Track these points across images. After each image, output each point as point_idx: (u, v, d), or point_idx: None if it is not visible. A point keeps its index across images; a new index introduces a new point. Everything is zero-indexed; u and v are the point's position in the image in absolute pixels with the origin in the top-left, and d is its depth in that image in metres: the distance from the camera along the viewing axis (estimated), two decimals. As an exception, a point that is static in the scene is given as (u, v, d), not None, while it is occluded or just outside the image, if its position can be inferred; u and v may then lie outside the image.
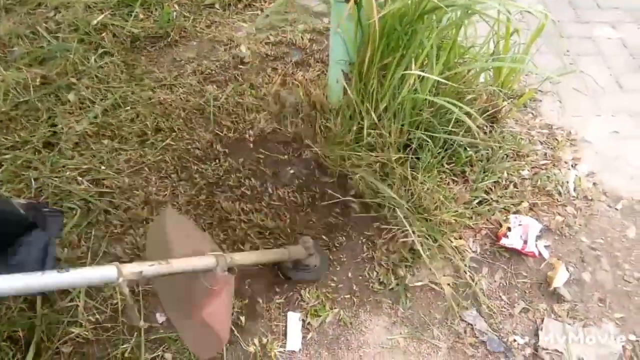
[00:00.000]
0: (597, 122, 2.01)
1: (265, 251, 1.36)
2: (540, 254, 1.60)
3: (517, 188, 1.74)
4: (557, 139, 1.90)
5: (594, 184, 1.80)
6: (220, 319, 1.06)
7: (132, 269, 0.87)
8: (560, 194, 1.74)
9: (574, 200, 1.74)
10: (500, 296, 1.53)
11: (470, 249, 1.63)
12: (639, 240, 1.65)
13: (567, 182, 1.78)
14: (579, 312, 1.50)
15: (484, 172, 1.75)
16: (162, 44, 2.27)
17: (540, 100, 2.08)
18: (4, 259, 0.95)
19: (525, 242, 1.60)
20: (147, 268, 0.90)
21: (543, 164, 1.81)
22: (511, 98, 1.89)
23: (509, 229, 1.63)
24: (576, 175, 1.80)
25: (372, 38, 1.58)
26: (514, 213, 1.68)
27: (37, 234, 1.00)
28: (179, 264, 0.97)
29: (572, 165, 1.83)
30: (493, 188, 1.73)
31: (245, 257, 1.22)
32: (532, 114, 2.01)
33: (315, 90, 1.96)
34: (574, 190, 1.76)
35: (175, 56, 2.23)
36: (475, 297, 1.53)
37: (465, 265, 1.58)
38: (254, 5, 2.51)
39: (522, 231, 1.61)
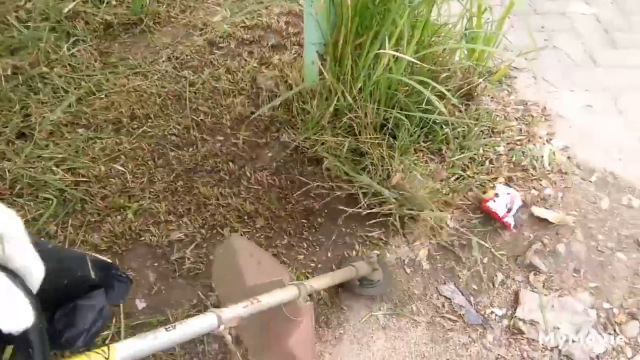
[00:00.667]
0: (571, 97, 2.04)
1: (335, 273, 1.33)
2: (513, 226, 1.63)
3: (493, 164, 1.76)
4: (532, 115, 1.93)
5: (568, 157, 1.82)
6: (305, 349, 1.06)
7: (229, 314, 0.88)
8: (535, 168, 1.77)
9: (548, 174, 1.77)
10: (477, 270, 1.56)
11: (448, 224, 1.65)
12: (612, 212, 1.69)
13: (542, 156, 1.80)
14: (555, 282, 1.53)
15: (460, 149, 1.76)
16: (136, 31, 2.24)
17: (516, 77, 2.09)
18: (52, 316, 0.80)
19: (509, 211, 1.63)
20: (242, 310, 0.90)
21: (518, 140, 1.83)
22: (486, 75, 1.90)
23: (496, 194, 1.65)
24: (551, 150, 1.82)
25: (344, 17, 1.57)
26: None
27: (98, 296, 0.87)
28: (267, 300, 0.97)
29: (546, 140, 1.86)
30: (469, 164, 1.75)
31: (321, 283, 1.22)
32: (508, 90, 2.03)
33: (292, 72, 1.95)
34: (549, 164, 1.79)
35: (149, 42, 2.20)
36: (453, 271, 1.55)
37: (443, 240, 1.60)
38: (228, -12, 2.48)
39: (508, 200, 1.64)
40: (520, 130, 1.87)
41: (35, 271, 0.46)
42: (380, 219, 1.62)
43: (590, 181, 1.77)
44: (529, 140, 1.84)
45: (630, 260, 1.58)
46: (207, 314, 0.85)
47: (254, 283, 1.00)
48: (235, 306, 0.91)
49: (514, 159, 1.78)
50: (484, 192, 1.67)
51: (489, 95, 1.93)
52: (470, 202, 1.69)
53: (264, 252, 1.19)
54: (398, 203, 1.60)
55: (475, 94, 1.86)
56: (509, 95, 1.98)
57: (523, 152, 1.80)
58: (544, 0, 2.48)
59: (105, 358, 0.60)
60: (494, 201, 1.63)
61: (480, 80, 1.85)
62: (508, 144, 1.82)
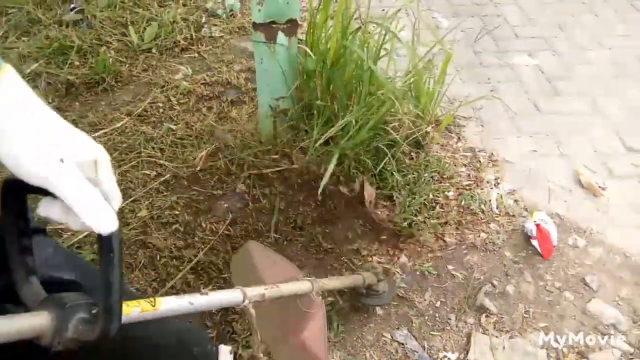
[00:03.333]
0: (517, 142, 2.13)
1: (345, 277, 1.42)
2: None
3: (443, 208, 1.82)
4: (479, 161, 2.01)
5: (515, 200, 1.89)
6: (317, 342, 1.10)
7: (253, 292, 0.95)
8: (483, 212, 1.83)
9: (496, 217, 1.83)
10: (431, 313, 1.58)
11: (401, 269, 1.67)
12: (559, 252, 1.74)
13: (490, 200, 1.86)
14: (505, 324, 1.55)
15: (411, 195, 1.82)
16: (98, 89, 2.30)
17: (464, 126, 2.19)
18: None
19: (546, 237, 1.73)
20: (264, 291, 0.98)
21: (467, 185, 1.90)
22: (434, 124, 1.99)
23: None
24: (498, 194, 1.89)
25: (295, 79, 1.66)
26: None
27: None
28: (285, 288, 1.04)
29: (494, 185, 1.93)
30: (420, 209, 1.79)
31: (332, 283, 1.29)
32: (457, 138, 2.11)
33: (247, 125, 2.02)
34: (497, 207, 1.85)
35: (111, 100, 2.26)
36: (406, 315, 1.56)
37: (396, 286, 1.62)
38: (190, 48, 2.58)
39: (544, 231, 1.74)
40: (469, 175, 1.94)
41: (117, 198, 0.55)
42: (332, 263, 1.64)
43: (537, 223, 1.83)
44: (477, 185, 1.91)
45: (577, 300, 1.62)
46: (234, 289, 0.92)
47: (271, 281, 1.05)
48: (258, 287, 0.98)
49: (463, 203, 1.84)
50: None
51: (437, 143, 2.01)
52: (422, 248, 1.73)
53: (278, 254, 1.25)
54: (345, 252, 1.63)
55: (425, 142, 1.94)
56: (457, 143, 2.07)
57: (472, 197, 1.86)
58: (489, 54, 2.63)
59: (152, 306, 0.70)
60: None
61: (429, 128, 1.93)
62: (457, 189, 1.89)
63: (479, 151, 2.06)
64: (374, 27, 1.80)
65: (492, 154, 2.06)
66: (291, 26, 1.65)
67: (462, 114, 2.22)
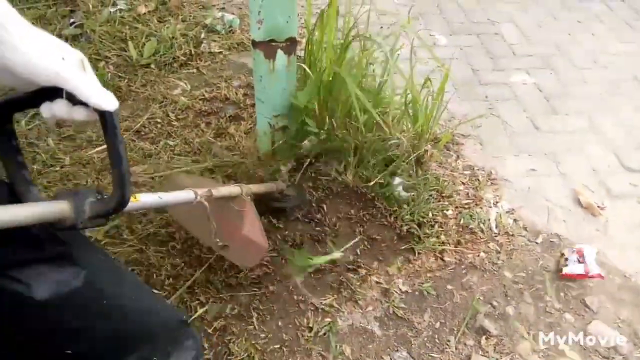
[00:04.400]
0: (516, 161, 2.13)
1: (263, 185, 1.65)
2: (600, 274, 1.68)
3: (442, 227, 1.81)
4: (478, 179, 2.00)
5: (515, 220, 1.89)
6: (256, 232, 1.33)
7: (202, 192, 1.17)
8: (482, 231, 1.82)
9: (496, 236, 1.82)
10: (430, 334, 1.56)
11: (400, 289, 1.66)
12: (559, 272, 1.73)
13: (489, 219, 1.86)
14: (505, 346, 1.54)
15: (410, 214, 1.81)
16: (96, 104, 2.29)
17: (463, 144, 2.19)
18: None
19: (585, 264, 1.68)
20: (212, 191, 1.21)
21: (466, 204, 1.89)
22: (432, 142, 1.99)
23: (565, 259, 1.71)
24: (497, 213, 1.89)
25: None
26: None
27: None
28: (224, 189, 1.28)
29: (493, 204, 1.92)
30: (418, 228, 1.78)
31: (253, 188, 1.48)
32: (456, 156, 2.11)
33: (246, 142, 2.01)
34: (496, 227, 1.84)
35: (109, 115, 2.25)
36: (405, 336, 1.54)
37: (395, 306, 1.60)
38: (189, 64, 2.58)
39: (577, 256, 1.69)
40: (468, 194, 1.94)
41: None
42: (331, 283, 1.63)
43: (537, 242, 1.82)
44: (476, 204, 1.90)
45: (578, 321, 1.61)
46: (187, 190, 1.13)
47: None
48: (203, 189, 1.18)
49: (462, 222, 1.83)
50: (558, 263, 1.74)
51: (436, 162, 2.01)
52: (420, 268, 1.72)
53: (197, 176, 1.55)
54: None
55: (423, 160, 1.93)
56: (456, 161, 2.07)
57: (471, 216, 1.85)
58: (487, 72, 2.64)
59: (135, 199, 0.91)
60: (567, 265, 1.68)
61: (428, 146, 1.93)
62: (456, 207, 1.88)
63: (478, 169, 2.05)
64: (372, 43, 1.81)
65: (491, 172, 2.06)
66: (290, 44, 1.65)
67: (461, 132, 2.23)
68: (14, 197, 0.69)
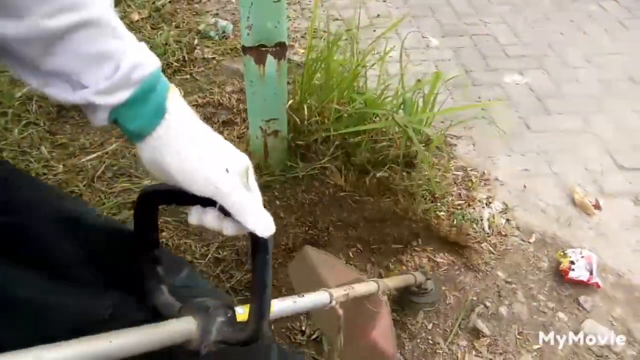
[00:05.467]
0: (509, 161, 2.14)
1: (401, 277, 1.48)
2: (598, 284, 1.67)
3: (435, 229, 1.81)
4: (471, 180, 2.00)
5: (507, 220, 1.88)
6: (387, 339, 1.17)
7: (338, 292, 1.01)
8: (475, 231, 1.82)
9: (489, 237, 1.82)
10: (423, 336, 1.56)
11: (393, 291, 1.66)
12: (552, 271, 1.73)
13: (482, 220, 1.86)
14: (499, 346, 1.53)
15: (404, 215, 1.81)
16: (89, 112, 2.30)
17: (456, 145, 2.19)
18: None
19: (591, 272, 1.66)
20: (346, 292, 1.04)
21: (458, 204, 1.90)
22: (425, 143, 1.99)
23: (572, 262, 1.69)
24: (490, 213, 1.89)
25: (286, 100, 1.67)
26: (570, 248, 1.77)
27: None
28: (359, 288, 1.10)
29: (486, 204, 1.92)
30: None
31: (391, 283, 1.34)
32: (448, 157, 2.11)
33: (239, 146, 2.01)
34: (489, 227, 1.84)
35: (102, 122, 2.25)
36: (398, 339, 1.54)
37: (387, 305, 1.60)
38: (183, 70, 2.59)
39: (585, 262, 1.68)
40: (460, 194, 1.94)
41: (261, 201, 0.59)
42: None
43: (530, 242, 1.82)
44: (469, 205, 1.90)
45: (571, 320, 1.60)
46: (321, 291, 0.99)
47: (335, 284, 1.08)
48: (338, 288, 1.04)
49: (455, 222, 1.83)
50: (560, 264, 1.71)
51: (428, 162, 2.01)
52: (415, 269, 1.72)
53: (335, 258, 1.33)
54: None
55: (416, 161, 1.93)
56: (448, 162, 2.07)
57: (463, 216, 1.85)
58: (480, 73, 2.65)
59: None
60: (573, 270, 1.66)
61: (421, 147, 1.93)
62: (449, 208, 1.88)
63: (471, 170, 2.06)
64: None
65: (484, 172, 2.06)
66: (280, 49, 1.66)
67: (453, 132, 2.23)
68: (140, 310, 0.65)
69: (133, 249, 0.67)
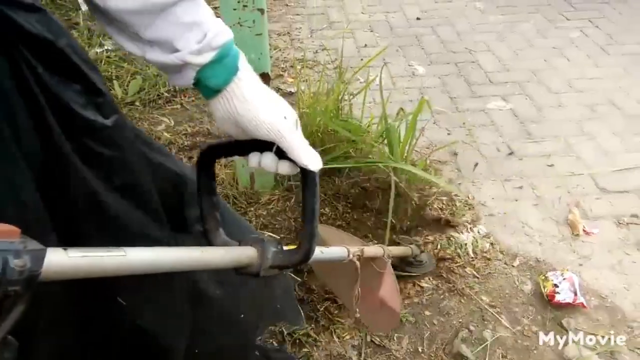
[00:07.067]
0: (493, 186, 2.17)
1: (400, 247, 1.66)
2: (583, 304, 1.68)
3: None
4: (455, 205, 2.03)
5: (491, 244, 1.91)
6: (393, 296, 1.32)
7: (354, 249, 1.14)
8: (459, 256, 1.84)
9: (472, 261, 1.84)
10: (407, 362, 1.56)
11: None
12: (535, 295, 1.74)
13: (466, 244, 1.88)
14: (483, 370, 1.54)
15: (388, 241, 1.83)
16: (81, 142, 2.34)
17: (441, 170, 2.23)
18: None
19: (575, 293, 1.67)
20: (364, 248, 1.18)
21: (443, 229, 1.92)
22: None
23: (555, 285, 1.70)
24: (474, 237, 1.91)
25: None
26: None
27: None
28: (368, 250, 1.23)
29: (470, 228, 1.95)
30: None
31: (393, 250, 1.48)
32: (432, 183, 2.14)
33: (226, 174, 2.05)
34: (473, 251, 1.87)
35: (93, 152, 2.29)
36: (382, 366, 1.55)
37: (373, 334, 1.61)
38: (174, 100, 2.65)
39: (568, 284, 1.69)
40: (445, 219, 1.96)
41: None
42: (309, 312, 1.64)
43: (513, 266, 1.84)
44: (453, 229, 1.93)
45: (555, 344, 1.61)
46: (341, 247, 1.11)
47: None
48: (354, 247, 1.16)
49: (439, 247, 1.85)
50: (544, 288, 1.72)
51: (413, 188, 2.04)
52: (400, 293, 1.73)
53: (343, 232, 1.47)
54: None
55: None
56: (431, 188, 2.10)
57: (448, 240, 1.87)
58: (465, 100, 2.71)
59: None
60: (559, 292, 1.68)
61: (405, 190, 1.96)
62: (433, 233, 1.90)
63: (455, 195, 2.09)
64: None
65: (468, 197, 2.09)
66: (264, 80, 1.70)
67: (438, 158, 2.27)
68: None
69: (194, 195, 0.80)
